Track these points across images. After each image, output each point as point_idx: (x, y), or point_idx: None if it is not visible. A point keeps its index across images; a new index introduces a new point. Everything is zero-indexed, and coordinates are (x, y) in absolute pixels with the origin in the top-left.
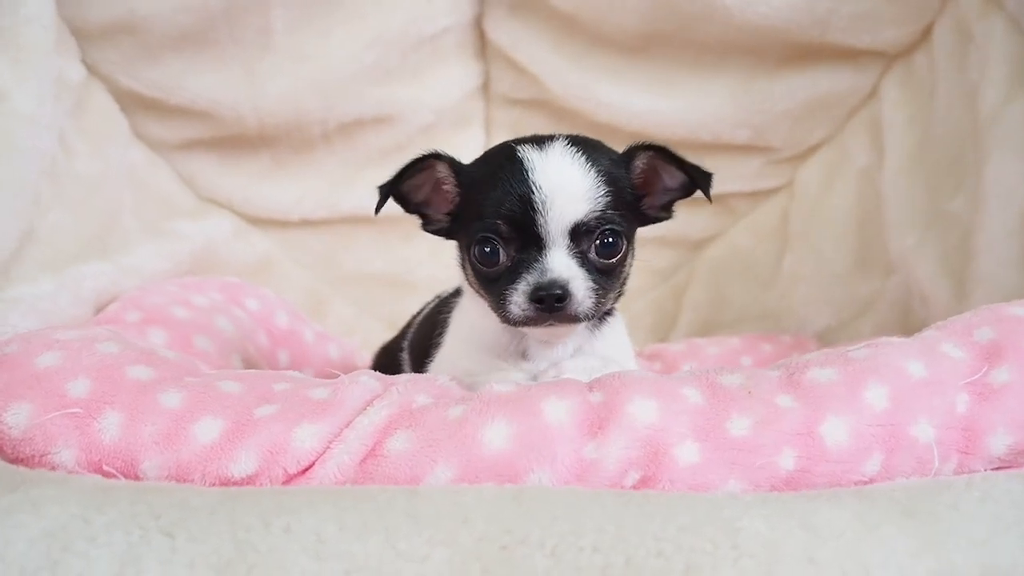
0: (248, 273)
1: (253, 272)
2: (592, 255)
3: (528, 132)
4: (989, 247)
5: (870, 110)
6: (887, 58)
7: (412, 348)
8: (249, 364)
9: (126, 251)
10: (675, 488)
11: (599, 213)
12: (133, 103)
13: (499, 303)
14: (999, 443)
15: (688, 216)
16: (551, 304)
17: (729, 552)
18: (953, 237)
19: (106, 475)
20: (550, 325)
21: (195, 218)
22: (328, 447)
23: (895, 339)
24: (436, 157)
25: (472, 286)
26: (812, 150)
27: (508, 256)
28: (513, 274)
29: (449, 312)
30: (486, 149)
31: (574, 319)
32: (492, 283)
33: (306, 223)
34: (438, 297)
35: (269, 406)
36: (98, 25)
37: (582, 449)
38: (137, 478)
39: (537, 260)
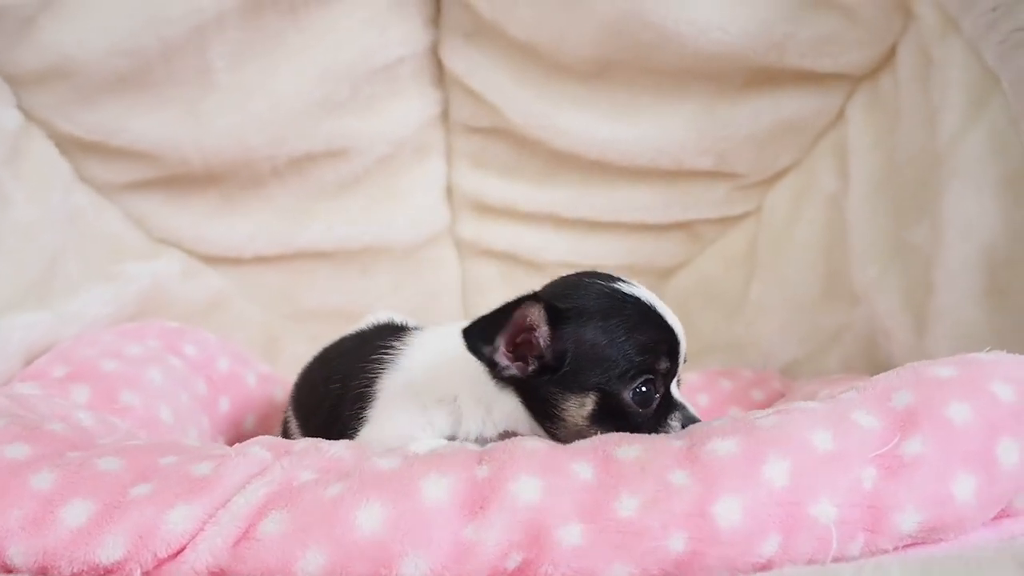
0: (199, 312)
1: (204, 311)
2: None
3: (491, 162)
4: (949, 281)
5: (838, 133)
6: (853, 80)
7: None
8: (179, 415)
9: (68, 297)
10: (558, 572)
11: None
12: (74, 147)
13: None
14: (909, 520)
15: (656, 243)
16: None
17: None
18: (915, 269)
19: None
20: None
21: (145, 259)
22: (201, 528)
23: (808, 404)
24: (534, 300)
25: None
26: (780, 175)
27: (660, 394)
28: (661, 410)
29: None
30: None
31: None
32: (643, 421)
33: (260, 259)
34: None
35: (146, 485)
36: (32, 71)
37: (461, 531)
38: (6, 565)
39: (669, 395)
